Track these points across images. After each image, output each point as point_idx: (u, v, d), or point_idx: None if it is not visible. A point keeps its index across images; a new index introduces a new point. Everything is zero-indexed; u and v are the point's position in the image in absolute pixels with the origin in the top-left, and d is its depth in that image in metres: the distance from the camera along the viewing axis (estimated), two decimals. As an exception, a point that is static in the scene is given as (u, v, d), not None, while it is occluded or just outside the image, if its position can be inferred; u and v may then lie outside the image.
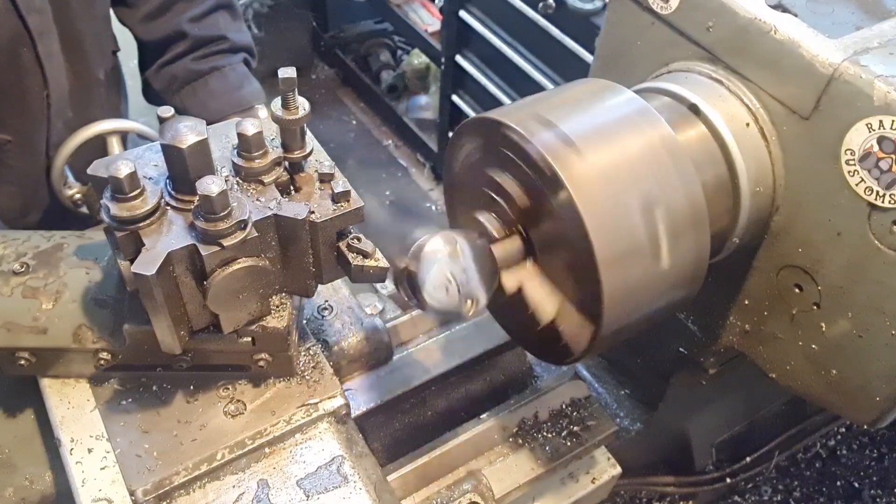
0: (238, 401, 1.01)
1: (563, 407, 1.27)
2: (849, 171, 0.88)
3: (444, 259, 0.88)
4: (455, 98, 3.85)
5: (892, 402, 0.96)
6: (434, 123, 4.35)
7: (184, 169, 0.84)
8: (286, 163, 0.94)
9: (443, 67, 3.81)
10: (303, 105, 0.90)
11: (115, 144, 1.59)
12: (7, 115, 1.49)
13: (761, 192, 0.97)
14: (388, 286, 1.46)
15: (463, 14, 3.50)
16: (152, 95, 1.89)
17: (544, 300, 0.93)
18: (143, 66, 1.86)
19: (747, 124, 0.96)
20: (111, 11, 1.76)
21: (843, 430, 1.75)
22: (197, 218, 0.83)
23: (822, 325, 0.98)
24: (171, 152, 0.83)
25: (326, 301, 1.21)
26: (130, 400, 1.00)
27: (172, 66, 1.79)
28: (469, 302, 0.89)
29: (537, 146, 0.82)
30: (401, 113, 4.51)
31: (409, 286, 0.92)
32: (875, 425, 1.00)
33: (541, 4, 2.98)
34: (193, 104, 1.77)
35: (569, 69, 3.02)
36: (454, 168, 1.01)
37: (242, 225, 0.84)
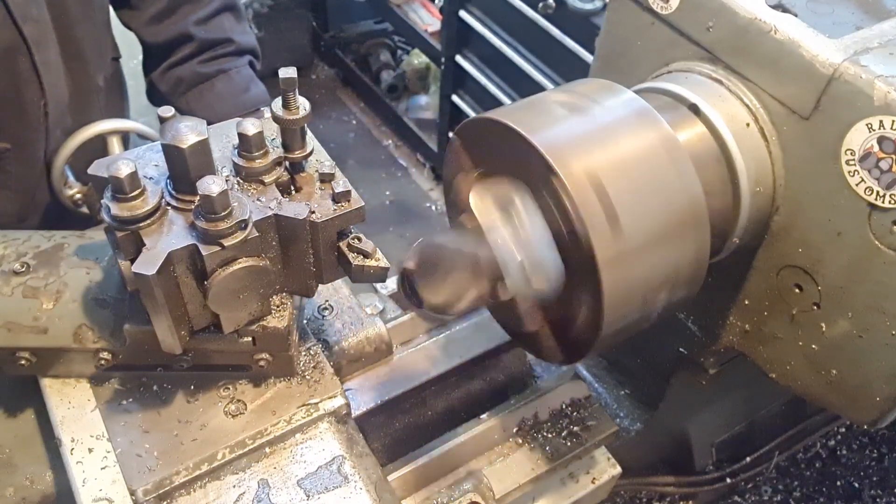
0: (238, 401, 1.01)
1: (563, 407, 1.27)
2: (849, 171, 0.88)
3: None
4: (455, 98, 3.85)
5: (892, 402, 0.96)
6: (434, 123, 4.35)
7: (184, 169, 0.84)
8: (287, 163, 0.94)
9: (443, 67, 3.81)
10: (303, 105, 0.90)
11: (115, 144, 1.59)
12: (5, 124, 1.49)
13: (761, 192, 0.97)
14: (388, 286, 1.46)
15: (463, 14, 3.50)
16: (156, 97, 1.88)
17: (534, 315, 0.95)
18: (148, 68, 1.85)
19: (747, 124, 0.96)
20: (114, 15, 1.76)
21: (843, 430, 1.75)
22: (197, 218, 0.83)
23: (822, 325, 0.98)
24: (171, 152, 0.84)
25: (327, 301, 1.21)
26: (131, 400, 1.00)
27: (178, 68, 1.79)
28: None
29: (537, 146, 0.82)
30: (401, 113, 4.51)
31: (409, 286, 0.92)
32: (875, 425, 1.00)
33: (541, 4, 2.99)
34: (200, 107, 1.77)
35: (569, 69, 3.03)
36: (453, 168, 1.01)
37: (243, 225, 0.84)
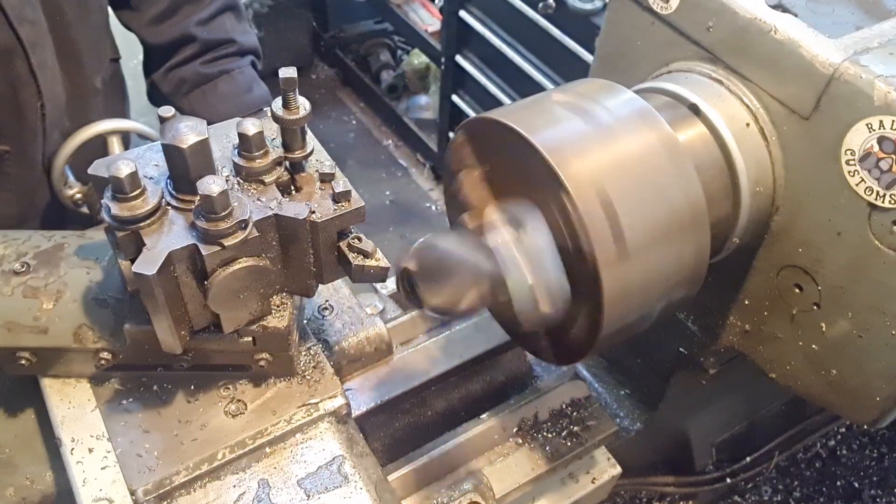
0: (239, 400, 1.01)
1: (563, 407, 1.27)
2: (849, 171, 0.88)
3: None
4: (455, 98, 3.85)
5: (892, 402, 0.96)
6: (434, 123, 4.35)
7: (184, 169, 0.84)
8: (287, 163, 0.94)
9: (443, 67, 3.81)
10: (303, 105, 0.90)
11: (115, 144, 1.59)
12: (3, 126, 1.48)
13: (761, 192, 0.97)
14: (388, 286, 1.46)
15: (463, 14, 3.50)
16: (157, 98, 1.88)
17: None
18: (149, 69, 1.85)
19: (747, 124, 0.96)
20: (115, 16, 1.75)
21: (843, 430, 1.75)
22: (198, 218, 0.83)
23: (822, 325, 0.98)
24: (171, 152, 0.84)
25: (327, 301, 1.21)
26: (131, 400, 1.01)
27: (181, 69, 1.78)
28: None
29: (538, 146, 0.82)
30: (401, 113, 4.51)
31: (409, 286, 0.92)
32: (875, 425, 1.00)
33: (541, 4, 2.99)
34: (202, 108, 1.77)
35: (569, 69, 3.03)
36: (454, 168, 1.01)
37: (243, 225, 0.84)
